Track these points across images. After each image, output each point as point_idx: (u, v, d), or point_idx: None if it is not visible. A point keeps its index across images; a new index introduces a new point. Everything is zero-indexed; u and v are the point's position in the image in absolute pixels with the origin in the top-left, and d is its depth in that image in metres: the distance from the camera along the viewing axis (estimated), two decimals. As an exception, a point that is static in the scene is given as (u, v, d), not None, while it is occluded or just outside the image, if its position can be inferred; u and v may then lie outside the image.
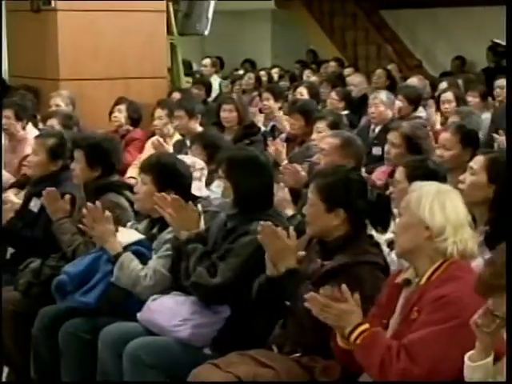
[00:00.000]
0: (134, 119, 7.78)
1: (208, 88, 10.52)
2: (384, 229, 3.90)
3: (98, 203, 4.43)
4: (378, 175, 5.85)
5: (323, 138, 5.73)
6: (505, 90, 8.10)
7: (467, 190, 3.97)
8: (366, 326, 3.21)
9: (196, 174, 5.03)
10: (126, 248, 4.36)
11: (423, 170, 4.41)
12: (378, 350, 3.12)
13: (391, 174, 4.97)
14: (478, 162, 4.10)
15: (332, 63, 13.53)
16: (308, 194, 3.84)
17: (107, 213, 4.38)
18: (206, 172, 5.38)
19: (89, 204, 4.47)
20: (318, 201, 3.75)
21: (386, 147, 5.74)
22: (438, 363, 3.05)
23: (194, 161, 5.27)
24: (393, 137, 5.66)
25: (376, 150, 7.40)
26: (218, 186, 4.96)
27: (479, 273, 2.92)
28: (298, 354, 3.65)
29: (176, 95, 8.28)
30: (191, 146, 5.96)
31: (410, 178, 4.31)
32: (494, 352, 2.86)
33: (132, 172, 6.71)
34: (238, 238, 4.07)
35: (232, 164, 4.24)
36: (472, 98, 8.56)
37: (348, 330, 3.20)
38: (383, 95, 7.88)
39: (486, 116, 8.28)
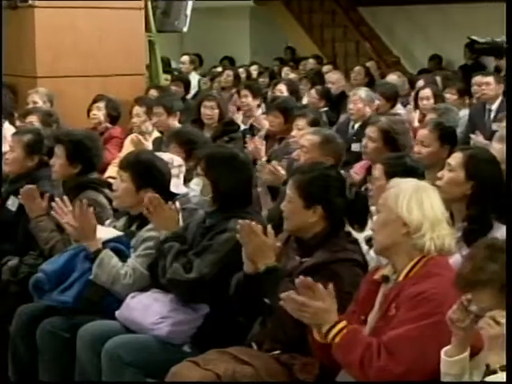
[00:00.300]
0: (113, 117, 7.75)
1: (187, 85, 10.51)
2: (361, 227, 3.91)
3: (84, 200, 4.39)
4: (356, 170, 5.86)
5: (303, 135, 5.74)
6: (482, 87, 8.13)
7: (445, 187, 3.98)
8: (344, 323, 3.21)
9: (174, 171, 5.02)
10: (103, 245, 4.35)
11: (401, 167, 4.42)
12: (358, 348, 3.13)
13: (369, 169, 4.98)
14: (455, 158, 4.11)
15: (311, 60, 13.56)
16: (286, 191, 3.84)
17: (90, 209, 4.36)
18: (183, 169, 5.38)
19: (73, 202, 4.45)
20: (296, 197, 3.76)
21: (364, 141, 5.75)
22: (418, 360, 3.06)
23: (171, 158, 5.26)
24: (370, 131, 5.67)
25: (355, 147, 7.41)
26: (196, 184, 4.95)
27: (458, 268, 2.94)
28: (277, 352, 3.65)
29: (153, 92, 8.26)
30: (168, 143, 5.94)
31: (387, 175, 4.32)
32: (470, 347, 2.88)
33: (112, 171, 6.68)
34: (216, 235, 4.07)
35: (211, 161, 4.24)
36: (450, 95, 8.60)
37: (326, 328, 3.20)
38: (363, 92, 7.90)
39: (464, 113, 8.32)
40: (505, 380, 2.70)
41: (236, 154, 4.32)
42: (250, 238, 3.69)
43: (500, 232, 3.79)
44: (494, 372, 2.73)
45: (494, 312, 2.77)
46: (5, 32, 8.42)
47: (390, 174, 4.22)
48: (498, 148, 4.73)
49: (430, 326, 3.07)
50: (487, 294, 2.79)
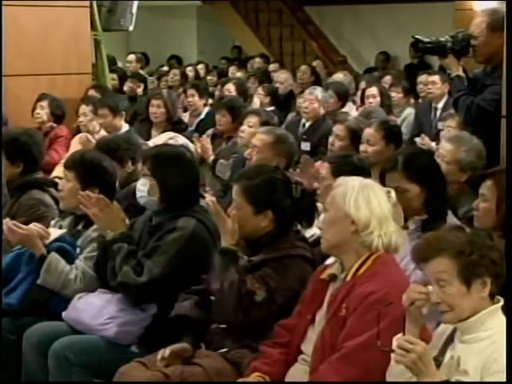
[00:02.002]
0: (58, 116, 7.66)
1: (145, 83, 10.51)
2: (309, 224, 3.92)
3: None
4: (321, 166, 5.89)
5: (253, 133, 5.74)
6: (429, 86, 8.20)
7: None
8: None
9: None
10: (48, 246, 4.29)
11: (348, 166, 4.45)
12: None
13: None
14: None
15: (257, 59, 13.56)
16: (233, 197, 3.82)
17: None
18: None
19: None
20: (244, 204, 3.75)
21: (331, 139, 5.85)
22: (376, 365, 3.05)
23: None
24: (338, 129, 5.76)
25: (305, 146, 7.45)
26: (143, 184, 4.89)
27: (417, 242, 2.96)
28: (224, 350, 3.65)
29: (93, 92, 8.19)
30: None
31: (334, 174, 4.34)
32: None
33: (58, 171, 6.61)
34: (164, 235, 4.05)
35: (157, 161, 4.21)
36: (395, 94, 8.67)
37: None
38: (318, 92, 7.92)
39: (410, 111, 8.40)
40: None
41: (182, 152, 4.30)
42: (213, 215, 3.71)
43: (450, 220, 3.93)
44: None
45: (401, 340, 2.81)
46: None
47: (337, 173, 4.23)
48: (447, 148, 4.79)
49: (384, 328, 3.06)
50: (444, 260, 2.83)
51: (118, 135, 6.27)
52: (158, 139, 5.40)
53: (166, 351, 3.58)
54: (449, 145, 4.81)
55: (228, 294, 3.58)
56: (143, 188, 4.58)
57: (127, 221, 4.25)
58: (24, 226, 4.26)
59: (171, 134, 5.64)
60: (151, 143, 5.35)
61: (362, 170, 4.30)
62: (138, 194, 5.03)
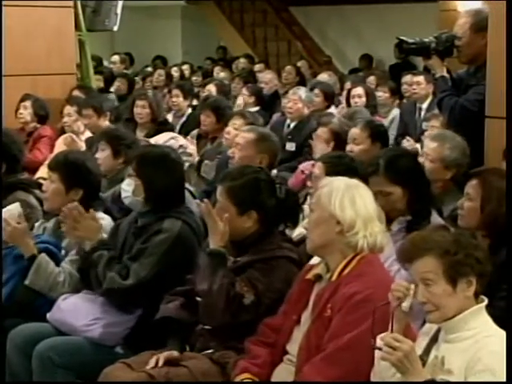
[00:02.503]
0: (41, 116, 7.64)
1: (131, 83, 10.49)
2: (294, 224, 3.93)
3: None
4: (306, 167, 5.90)
5: (238, 133, 5.75)
6: (413, 87, 8.22)
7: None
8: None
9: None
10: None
11: (342, 167, 4.46)
12: None
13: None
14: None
15: (242, 60, 13.56)
16: (218, 197, 3.81)
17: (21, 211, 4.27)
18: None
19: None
20: (229, 204, 3.74)
21: (313, 142, 5.86)
22: (360, 365, 3.06)
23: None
24: (322, 132, 5.78)
25: (290, 146, 7.47)
26: (128, 185, 4.90)
27: (401, 243, 2.96)
28: (210, 351, 3.65)
29: (77, 93, 8.17)
30: (97, 144, 5.82)
31: (328, 174, 4.34)
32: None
33: (43, 172, 6.59)
34: (151, 237, 4.04)
35: (143, 162, 4.20)
36: (382, 93, 8.69)
37: None
38: (302, 92, 7.93)
39: (398, 112, 8.41)
40: None
41: (167, 153, 4.29)
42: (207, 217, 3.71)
43: (434, 220, 3.95)
44: None
45: (388, 338, 2.82)
46: None
47: (331, 173, 4.23)
48: (431, 146, 4.81)
49: (368, 329, 3.06)
50: (429, 259, 2.84)
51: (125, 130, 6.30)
52: (159, 138, 5.41)
53: (160, 360, 3.57)
54: (432, 143, 4.83)
55: (217, 296, 3.57)
56: (128, 188, 4.59)
57: (112, 222, 4.23)
58: (15, 224, 4.24)
59: (172, 134, 5.66)
60: (153, 142, 5.37)
61: (354, 171, 4.30)
62: (123, 194, 5.05)
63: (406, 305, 2.90)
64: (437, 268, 2.83)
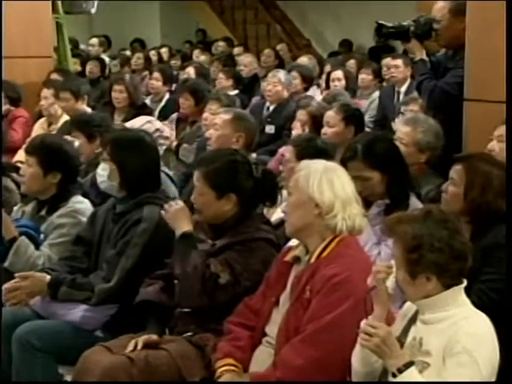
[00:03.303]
0: (14, 99, 7.58)
1: (103, 66, 10.44)
2: (273, 204, 3.94)
3: None
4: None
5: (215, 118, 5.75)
6: (392, 70, 8.21)
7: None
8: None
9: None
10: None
11: (312, 149, 4.47)
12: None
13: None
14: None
15: (221, 43, 13.51)
16: (195, 182, 3.81)
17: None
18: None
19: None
20: (206, 189, 3.74)
21: (293, 124, 5.90)
22: (338, 347, 3.08)
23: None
24: (301, 114, 5.84)
25: (269, 129, 7.47)
26: (103, 169, 4.86)
27: (388, 217, 3.01)
28: (189, 333, 3.65)
29: (55, 76, 8.11)
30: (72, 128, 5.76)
31: (298, 157, 4.36)
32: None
33: (21, 155, 6.55)
34: (131, 227, 4.03)
35: (117, 146, 4.18)
36: (365, 76, 8.69)
37: None
38: (282, 75, 7.92)
39: (377, 94, 8.40)
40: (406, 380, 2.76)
41: (141, 136, 4.27)
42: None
43: (413, 203, 3.96)
44: (394, 375, 2.78)
45: (364, 325, 2.84)
46: None
47: (301, 156, 4.25)
48: (404, 131, 4.82)
49: (347, 311, 3.09)
50: (395, 245, 2.88)
51: (94, 113, 6.27)
52: (135, 122, 5.40)
53: (139, 343, 3.57)
54: (405, 127, 4.85)
55: (192, 277, 3.59)
56: (103, 173, 4.56)
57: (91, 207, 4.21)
58: None
59: (148, 117, 5.65)
60: (129, 126, 5.34)
61: (325, 153, 4.31)
62: (99, 179, 5.02)
63: (390, 285, 2.91)
64: (400, 256, 2.86)
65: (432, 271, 2.83)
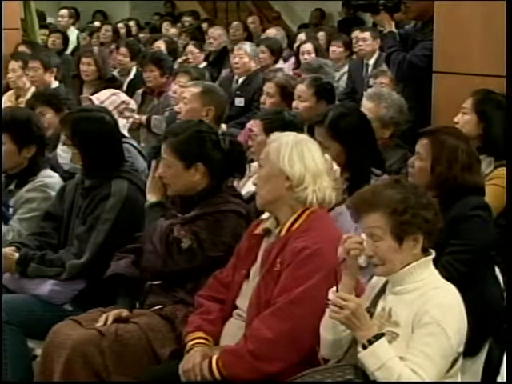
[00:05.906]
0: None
1: (65, 39, 10.33)
2: (241, 174, 3.95)
3: None
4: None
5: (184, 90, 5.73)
6: (360, 43, 8.19)
7: None
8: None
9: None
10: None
11: (279, 122, 4.46)
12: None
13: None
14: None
15: (187, 18, 13.40)
16: (162, 155, 3.80)
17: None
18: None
19: None
20: (174, 160, 3.74)
21: (262, 98, 5.90)
22: (307, 319, 3.09)
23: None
24: (268, 87, 5.80)
25: (238, 101, 7.47)
26: (65, 151, 4.78)
27: (358, 192, 3.00)
28: (159, 307, 3.65)
29: (23, 48, 8.02)
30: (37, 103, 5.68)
31: (267, 131, 4.36)
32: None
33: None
34: (100, 202, 4.02)
35: (76, 131, 4.12)
36: (336, 48, 8.67)
37: None
38: (248, 47, 7.92)
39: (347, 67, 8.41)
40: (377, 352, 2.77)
41: (101, 117, 4.21)
42: None
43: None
44: (365, 347, 2.80)
45: (333, 296, 2.85)
46: None
47: (269, 130, 4.24)
48: (368, 106, 4.84)
49: (317, 283, 3.10)
50: (377, 216, 2.86)
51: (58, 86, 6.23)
52: (100, 95, 5.36)
53: (109, 318, 3.58)
54: (369, 103, 4.87)
55: (156, 242, 3.64)
56: (65, 155, 4.50)
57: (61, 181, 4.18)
58: None
59: (113, 90, 5.62)
60: (95, 99, 5.30)
61: (293, 126, 4.31)
62: (60, 161, 4.99)
63: (362, 260, 2.93)
64: (384, 225, 2.85)
65: (422, 230, 2.85)
